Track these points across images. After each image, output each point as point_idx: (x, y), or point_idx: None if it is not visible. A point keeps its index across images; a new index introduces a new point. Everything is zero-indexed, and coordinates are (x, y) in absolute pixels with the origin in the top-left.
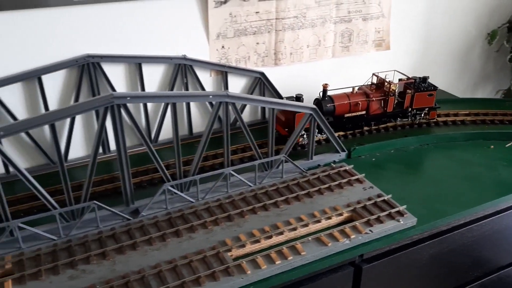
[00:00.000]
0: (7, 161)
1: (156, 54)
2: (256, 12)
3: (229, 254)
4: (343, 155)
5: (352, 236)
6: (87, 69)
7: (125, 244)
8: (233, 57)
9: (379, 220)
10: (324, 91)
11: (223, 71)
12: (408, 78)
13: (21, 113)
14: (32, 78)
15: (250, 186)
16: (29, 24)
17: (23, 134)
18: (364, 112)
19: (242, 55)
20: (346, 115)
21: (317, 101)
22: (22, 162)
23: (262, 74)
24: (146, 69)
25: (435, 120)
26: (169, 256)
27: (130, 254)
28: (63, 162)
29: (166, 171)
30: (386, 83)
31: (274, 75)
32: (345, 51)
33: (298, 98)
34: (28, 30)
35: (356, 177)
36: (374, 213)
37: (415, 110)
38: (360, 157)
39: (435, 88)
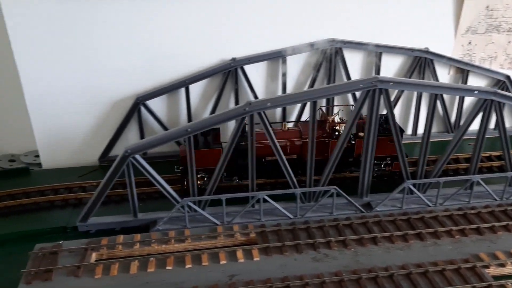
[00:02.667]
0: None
1: (396, 44)
2: None
3: (487, 271)
4: None
5: None
6: (329, 53)
7: (366, 237)
8: (477, 56)
9: None
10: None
11: (464, 70)
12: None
13: (260, 90)
14: (276, 58)
15: (496, 200)
16: (279, 5)
17: None
18: (295, 156)
19: (489, 54)
20: (268, 158)
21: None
22: None
23: (508, 78)
24: (384, 58)
25: None
26: (416, 259)
27: (372, 248)
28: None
29: (408, 168)
30: (328, 121)
31: None
32: None
33: None
34: (282, 12)
35: None
36: None
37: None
38: None
39: (401, 131)
